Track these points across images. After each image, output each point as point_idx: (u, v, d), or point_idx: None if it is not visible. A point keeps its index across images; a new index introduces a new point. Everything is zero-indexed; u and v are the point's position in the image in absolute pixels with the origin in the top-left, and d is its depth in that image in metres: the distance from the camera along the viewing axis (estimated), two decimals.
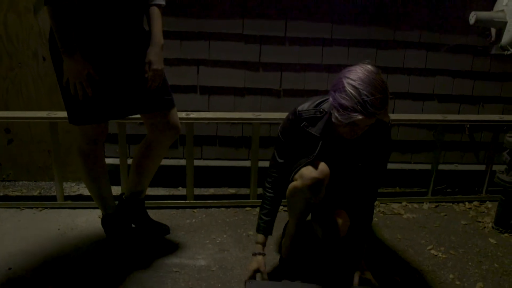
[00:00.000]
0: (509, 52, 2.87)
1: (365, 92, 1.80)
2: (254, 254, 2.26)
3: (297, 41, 3.26)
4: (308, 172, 2.10)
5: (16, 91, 3.24)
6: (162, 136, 2.45)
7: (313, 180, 2.08)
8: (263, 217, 2.27)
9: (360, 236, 2.25)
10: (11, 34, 3.12)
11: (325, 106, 2.11)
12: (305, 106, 2.15)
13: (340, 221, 2.23)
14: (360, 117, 1.83)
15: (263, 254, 2.26)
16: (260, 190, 3.18)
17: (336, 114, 1.91)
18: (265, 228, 2.28)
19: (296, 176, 2.16)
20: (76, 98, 2.15)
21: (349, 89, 1.83)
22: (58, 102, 3.20)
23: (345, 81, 1.85)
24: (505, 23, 2.79)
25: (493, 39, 3.00)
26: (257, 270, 2.21)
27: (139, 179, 2.56)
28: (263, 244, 2.28)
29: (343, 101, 1.84)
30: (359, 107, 1.81)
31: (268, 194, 2.28)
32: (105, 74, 2.17)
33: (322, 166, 2.11)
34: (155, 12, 2.30)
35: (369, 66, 1.90)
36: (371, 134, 2.11)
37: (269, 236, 2.29)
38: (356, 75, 1.85)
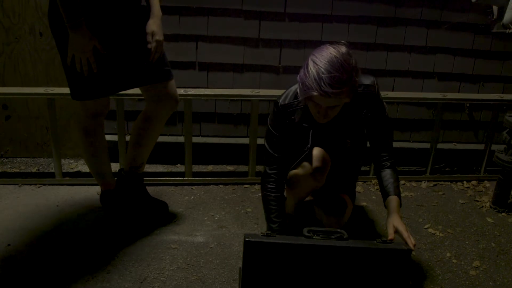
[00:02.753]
0: (510, 31, 2.85)
1: (322, 70, 1.79)
2: None
3: (296, 17, 3.23)
4: (315, 159, 2.09)
5: (13, 67, 3.21)
6: (161, 108, 2.45)
7: (315, 169, 2.09)
8: (275, 219, 2.16)
9: (394, 179, 2.14)
10: (7, 9, 3.08)
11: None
12: (286, 98, 2.12)
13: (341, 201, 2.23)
14: (314, 93, 1.81)
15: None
16: (259, 168, 3.19)
17: (298, 90, 1.94)
18: (279, 231, 2.14)
19: (309, 159, 2.15)
20: (81, 73, 2.13)
21: (310, 65, 1.83)
22: (55, 78, 3.19)
23: (310, 58, 1.86)
24: (508, 0, 2.77)
25: (495, 17, 2.98)
26: None
27: (138, 153, 2.55)
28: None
29: (303, 77, 1.85)
30: (314, 83, 1.80)
31: (272, 195, 2.18)
32: (108, 48, 2.16)
33: (323, 154, 2.10)
34: None
35: (340, 46, 1.87)
36: (358, 109, 2.10)
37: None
38: (321, 53, 1.84)
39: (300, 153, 2.17)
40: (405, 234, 1.91)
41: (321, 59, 1.81)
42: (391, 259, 1.84)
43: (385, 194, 2.11)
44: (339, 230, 1.87)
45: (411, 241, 1.89)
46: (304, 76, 1.84)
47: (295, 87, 2.10)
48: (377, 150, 2.19)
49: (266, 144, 2.20)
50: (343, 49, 1.85)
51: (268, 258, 1.84)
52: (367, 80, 2.08)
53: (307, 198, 2.41)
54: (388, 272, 1.86)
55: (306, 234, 1.85)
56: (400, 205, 2.07)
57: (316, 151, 2.11)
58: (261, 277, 1.86)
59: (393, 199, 2.06)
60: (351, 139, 2.18)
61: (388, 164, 2.17)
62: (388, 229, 1.97)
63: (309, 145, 2.12)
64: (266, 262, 1.84)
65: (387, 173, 2.15)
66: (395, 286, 1.88)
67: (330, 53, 1.82)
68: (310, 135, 2.12)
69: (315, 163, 2.08)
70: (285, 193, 2.27)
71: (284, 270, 1.86)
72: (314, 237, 1.84)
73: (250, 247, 1.83)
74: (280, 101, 2.12)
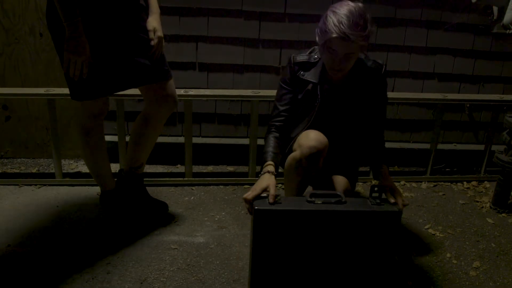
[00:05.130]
0: (510, 31, 2.85)
1: (342, 15, 1.92)
2: (263, 173, 2.03)
3: (297, 18, 3.23)
4: (306, 141, 2.09)
5: (13, 67, 3.21)
6: (161, 108, 2.44)
7: (311, 149, 2.07)
8: (271, 149, 2.14)
9: (379, 146, 2.23)
10: (7, 9, 3.08)
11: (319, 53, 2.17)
12: (300, 52, 2.23)
13: (340, 185, 2.24)
14: (333, 35, 1.91)
15: (275, 175, 2.03)
16: (259, 168, 3.18)
17: (316, 39, 2.04)
18: (275, 155, 2.12)
19: (295, 146, 2.16)
20: (80, 74, 2.12)
21: (329, 15, 1.96)
22: (56, 78, 3.19)
23: (329, 10, 2.00)
24: (508, 1, 2.77)
25: (495, 17, 2.98)
26: (265, 190, 1.95)
27: (138, 153, 2.55)
28: (275, 169, 2.07)
29: (322, 25, 1.99)
30: (334, 27, 1.91)
31: (272, 135, 2.20)
32: (106, 48, 2.16)
33: (320, 136, 2.10)
34: None
35: (357, 3, 2.00)
36: (365, 82, 2.17)
37: None
38: (340, 4, 1.99)
39: (309, 110, 2.21)
40: (398, 193, 2.01)
41: (340, 9, 1.95)
42: (383, 220, 1.97)
43: (375, 163, 2.18)
44: (338, 193, 1.97)
45: (401, 201, 1.98)
46: (323, 24, 1.97)
47: (310, 48, 2.23)
48: (370, 127, 2.25)
49: (275, 99, 2.28)
50: (360, 4, 1.99)
51: (274, 223, 1.92)
52: (378, 59, 2.23)
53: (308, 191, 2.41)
54: (380, 231, 1.99)
55: (309, 199, 1.94)
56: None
57: (313, 133, 2.12)
58: (270, 242, 1.95)
59: (383, 167, 2.14)
60: (353, 113, 2.23)
61: (378, 140, 2.24)
62: (388, 195, 2.03)
63: (319, 98, 2.17)
64: (273, 227, 1.92)
65: (375, 146, 2.23)
66: (386, 244, 2.01)
67: (349, 4, 1.97)
68: (319, 90, 2.17)
69: (311, 143, 2.08)
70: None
71: (289, 233, 1.95)
72: (316, 202, 1.93)
73: (259, 215, 1.90)
74: (293, 54, 2.22)
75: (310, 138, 2.10)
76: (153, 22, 2.29)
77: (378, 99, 2.23)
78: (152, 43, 2.27)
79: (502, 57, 3.48)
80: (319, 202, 1.93)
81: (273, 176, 2.01)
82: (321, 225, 1.94)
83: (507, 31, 2.91)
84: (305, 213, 1.91)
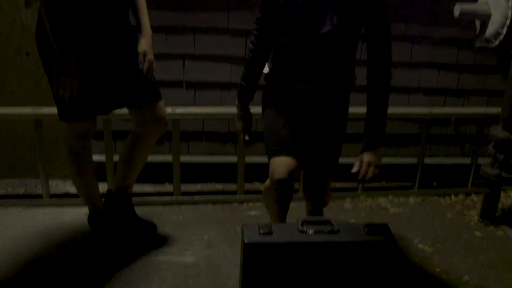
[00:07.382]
0: (493, 45, 2.89)
1: None
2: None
3: None
4: (274, 173, 2.03)
5: (0, 87, 3.19)
6: (150, 130, 2.44)
7: (279, 182, 2.02)
8: (242, 83, 2.29)
9: (378, 105, 2.07)
10: None
11: None
12: None
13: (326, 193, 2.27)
14: None
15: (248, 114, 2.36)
16: (247, 186, 3.19)
17: None
18: (245, 94, 2.33)
19: (270, 170, 2.09)
20: (69, 96, 2.12)
21: None
22: (43, 97, 3.17)
23: None
24: (489, 15, 2.81)
25: (477, 31, 3.02)
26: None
27: (126, 174, 2.54)
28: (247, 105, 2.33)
29: None
30: None
31: (253, 47, 2.14)
32: (97, 70, 2.16)
33: (288, 162, 2.04)
34: (141, 4, 2.33)
35: None
36: None
37: None
38: None
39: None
40: (364, 164, 2.03)
41: None
42: (378, 249, 1.95)
43: (366, 129, 2.10)
44: (330, 221, 1.96)
45: (363, 170, 2.01)
46: None
47: None
48: (371, 57, 2.04)
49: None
50: None
51: (265, 256, 1.90)
52: None
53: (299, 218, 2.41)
54: (375, 260, 1.97)
55: (300, 228, 1.92)
56: (379, 137, 2.11)
57: (280, 161, 2.04)
58: (261, 275, 1.93)
59: (371, 136, 2.10)
60: (338, 20, 1.93)
61: (379, 81, 2.04)
62: (356, 162, 2.02)
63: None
64: (264, 260, 1.91)
65: (373, 101, 2.08)
66: (382, 273, 2.00)
67: None
68: None
69: (279, 174, 2.01)
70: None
71: (281, 265, 1.93)
72: (308, 232, 1.91)
73: (250, 248, 1.88)
74: None
75: (278, 169, 2.03)
76: (144, 45, 2.29)
77: (375, 15, 1.94)
78: (141, 66, 2.27)
79: (485, 70, 3.52)
80: (311, 232, 1.92)
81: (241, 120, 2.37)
82: (314, 256, 1.93)
83: (490, 44, 2.94)
84: (297, 245, 1.90)
